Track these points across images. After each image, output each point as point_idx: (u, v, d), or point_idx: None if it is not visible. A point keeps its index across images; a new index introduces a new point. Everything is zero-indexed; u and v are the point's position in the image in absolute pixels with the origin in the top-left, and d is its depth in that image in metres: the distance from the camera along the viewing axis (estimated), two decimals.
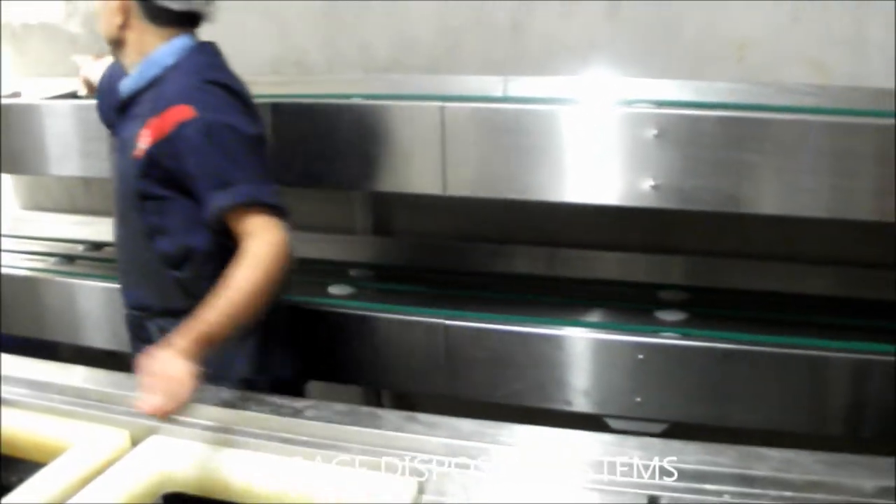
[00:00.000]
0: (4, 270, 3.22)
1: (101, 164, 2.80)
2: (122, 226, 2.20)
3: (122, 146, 2.14)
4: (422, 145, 2.46)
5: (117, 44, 2.15)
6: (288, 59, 3.26)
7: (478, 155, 2.43)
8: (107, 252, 3.35)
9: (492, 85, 2.85)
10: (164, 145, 2.00)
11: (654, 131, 2.21)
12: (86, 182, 3.72)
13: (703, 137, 2.20)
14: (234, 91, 2.08)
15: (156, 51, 2.10)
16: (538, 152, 2.33)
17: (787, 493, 1.50)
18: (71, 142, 2.97)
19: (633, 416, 2.42)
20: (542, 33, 2.94)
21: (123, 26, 2.10)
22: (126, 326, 2.29)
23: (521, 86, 2.83)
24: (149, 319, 2.20)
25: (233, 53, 3.31)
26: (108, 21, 2.11)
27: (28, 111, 3.04)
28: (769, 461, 1.55)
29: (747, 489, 1.50)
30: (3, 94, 3.33)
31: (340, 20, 3.16)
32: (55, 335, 3.13)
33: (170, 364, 1.67)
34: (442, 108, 2.42)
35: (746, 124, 2.19)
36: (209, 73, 2.08)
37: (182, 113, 1.98)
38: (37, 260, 3.34)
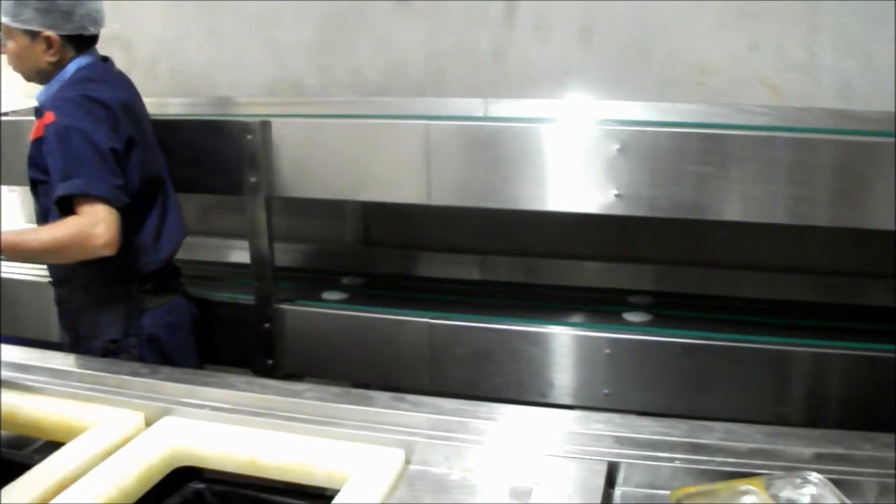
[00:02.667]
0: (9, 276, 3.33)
1: None
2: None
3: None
4: (409, 160, 2.59)
5: (44, 75, 2.54)
6: (285, 83, 3.39)
7: (459, 168, 2.58)
8: None
9: (474, 107, 2.99)
10: (37, 142, 2.42)
11: (618, 146, 2.37)
12: None
13: (661, 151, 2.36)
14: (102, 104, 2.43)
15: (64, 70, 2.52)
16: (514, 166, 2.47)
17: (731, 460, 1.62)
18: None
19: (601, 407, 2.55)
20: (520, 60, 3.10)
21: (52, 61, 2.50)
22: None
23: (501, 108, 2.97)
24: (55, 287, 2.65)
25: (235, 77, 3.51)
26: (38, 59, 2.50)
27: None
28: (715, 432, 1.69)
29: (696, 456, 1.63)
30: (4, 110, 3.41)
31: (333, 48, 3.30)
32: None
33: None
34: (427, 126, 2.56)
35: (699, 139, 2.34)
36: (84, 87, 2.45)
37: (48, 118, 2.38)
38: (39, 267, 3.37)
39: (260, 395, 1.92)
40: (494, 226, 3.19)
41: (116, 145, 2.43)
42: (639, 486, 1.62)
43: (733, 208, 2.35)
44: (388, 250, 3.39)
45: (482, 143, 2.53)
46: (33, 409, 1.97)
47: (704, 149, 2.32)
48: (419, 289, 3.13)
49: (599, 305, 2.87)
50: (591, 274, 3.10)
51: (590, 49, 3.02)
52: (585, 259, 3.12)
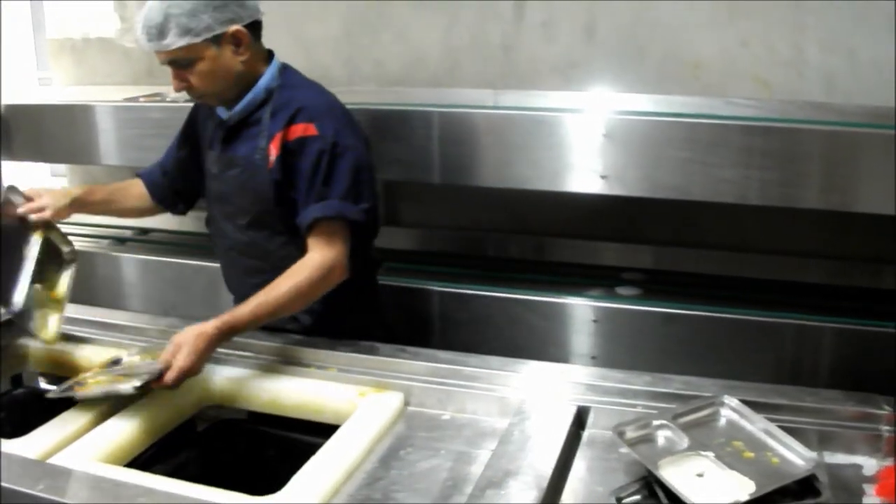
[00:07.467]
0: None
1: (146, 157, 3.14)
2: (251, 231, 2.31)
3: (238, 162, 2.27)
4: (420, 144, 2.79)
5: (240, 86, 2.22)
6: (313, 74, 3.49)
7: (466, 152, 2.77)
8: (153, 236, 3.68)
9: (485, 97, 3.14)
10: (285, 156, 2.17)
11: (604, 132, 2.57)
12: (133, 174, 4.04)
13: (641, 137, 2.56)
14: (346, 112, 2.28)
15: (263, 76, 2.26)
16: (512, 149, 2.68)
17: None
18: (122, 137, 3.30)
19: None
20: (528, 54, 3.27)
21: (244, 61, 2.20)
22: None
23: (510, 98, 3.12)
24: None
25: None
26: (231, 65, 2.18)
27: (86, 111, 3.35)
28: (673, 383, 1.89)
29: (656, 403, 1.81)
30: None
31: (358, 41, 3.50)
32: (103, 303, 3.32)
33: (193, 339, 1.90)
34: (438, 114, 2.77)
35: (674, 127, 2.54)
36: (327, 95, 2.27)
37: (307, 129, 2.16)
38: (89, 242, 3.62)
39: (280, 345, 2.15)
40: (504, 206, 3.36)
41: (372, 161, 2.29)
42: (605, 428, 1.77)
43: (705, 189, 2.53)
44: (404, 228, 3.54)
45: (485, 129, 2.74)
46: (82, 355, 2.22)
47: (679, 135, 2.52)
48: (432, 262, 3.28)
49: (594, 280, 3.04)
50: (589, 252, 3.25)
51: (593, 44, 3.18)
52: (586, 238, 3.27)
